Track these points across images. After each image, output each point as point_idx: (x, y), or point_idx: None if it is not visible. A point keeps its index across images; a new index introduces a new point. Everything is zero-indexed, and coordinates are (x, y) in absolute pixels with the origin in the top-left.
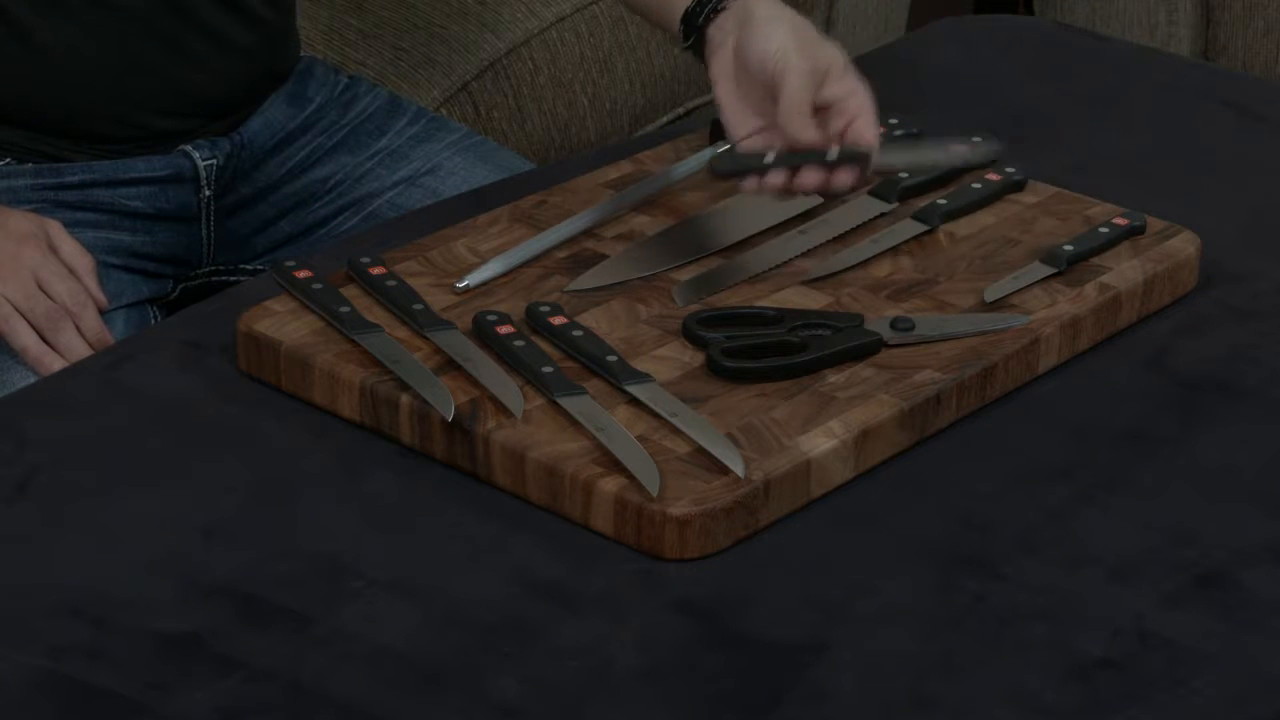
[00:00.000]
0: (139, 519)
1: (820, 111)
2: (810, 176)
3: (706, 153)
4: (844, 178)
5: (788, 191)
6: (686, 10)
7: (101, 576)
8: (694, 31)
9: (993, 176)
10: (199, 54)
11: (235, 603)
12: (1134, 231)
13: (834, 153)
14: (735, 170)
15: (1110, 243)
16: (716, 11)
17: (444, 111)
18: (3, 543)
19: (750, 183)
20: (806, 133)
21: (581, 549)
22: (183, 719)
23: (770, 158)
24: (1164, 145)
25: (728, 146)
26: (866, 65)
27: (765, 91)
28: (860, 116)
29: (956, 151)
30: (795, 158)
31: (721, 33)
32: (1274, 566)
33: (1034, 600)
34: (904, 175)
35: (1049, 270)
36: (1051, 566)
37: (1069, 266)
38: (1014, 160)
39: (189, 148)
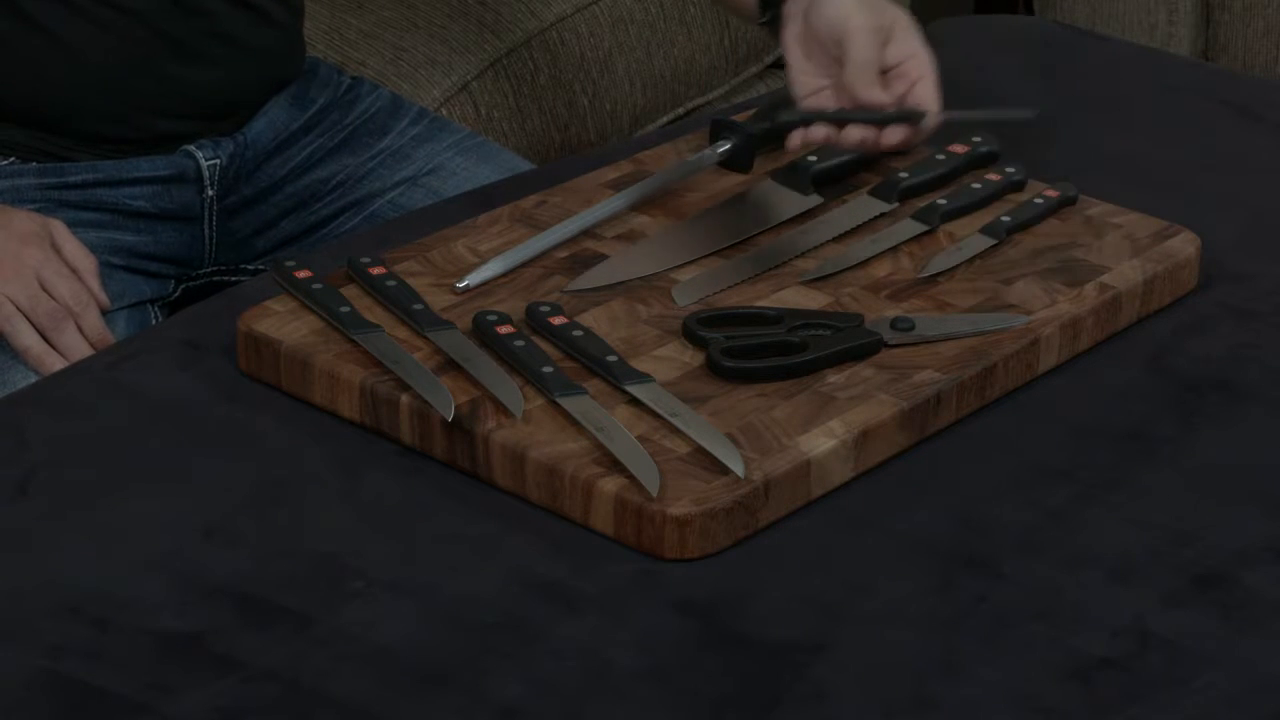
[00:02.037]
0: (139, 519)
1: (883, 75)
2: (856, 132)
3: (707, 153)
4: (894, 135)
5: (836, 146)
6: None
7: (101, 576)
8: (771, 7)
9: (993, 176)
10: (209, 57)
11: (235, 603)
12: (1065, 203)
13: (888, 114)
14: (795, 123)
15: (1043, 214)
16: None
17: (444, 111)
18: (3, 542)
19: (796, 136)
20: (872, 91)
21: (581, 549)
22: (183, 719)
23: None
24: (1164, 145)
25: (728, 145)
26: None
27: (833, 57)
28: (922, 80)
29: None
30: (852, 114)
31: (796, 6)
32: (1274, 566)
33: (1034, 600)
34: (904, 175)
35: (990, 241)
36: (1051, 566)
37: (1008, 235)
38: (1014, 160)
39: (192, 148)
